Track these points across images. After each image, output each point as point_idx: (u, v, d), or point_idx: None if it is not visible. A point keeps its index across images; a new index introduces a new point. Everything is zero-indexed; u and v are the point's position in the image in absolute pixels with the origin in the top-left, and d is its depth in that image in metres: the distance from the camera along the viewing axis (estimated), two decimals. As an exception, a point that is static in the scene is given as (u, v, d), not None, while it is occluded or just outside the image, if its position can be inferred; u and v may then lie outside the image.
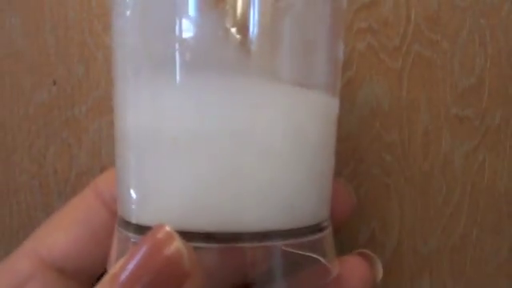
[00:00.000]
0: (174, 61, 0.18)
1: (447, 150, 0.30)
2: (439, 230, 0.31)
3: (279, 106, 0.18)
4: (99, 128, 0.28)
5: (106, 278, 0.17)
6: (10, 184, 0.29)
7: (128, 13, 0.19)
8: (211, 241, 0.18)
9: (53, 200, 0.29)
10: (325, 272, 0.20)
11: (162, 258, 0.16)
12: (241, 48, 0.18)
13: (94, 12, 0.28)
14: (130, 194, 0.19)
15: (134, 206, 0.19)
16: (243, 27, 0.18)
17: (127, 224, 0.19)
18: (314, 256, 0.20)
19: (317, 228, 0.20)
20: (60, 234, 0.23)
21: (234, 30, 0.18)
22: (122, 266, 0.16)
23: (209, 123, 0.18)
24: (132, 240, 0.19)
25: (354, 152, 0.30)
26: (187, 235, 0.17)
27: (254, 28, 0.18)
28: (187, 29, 0.18)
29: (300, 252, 0.19)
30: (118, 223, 0.20)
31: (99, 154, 0.28)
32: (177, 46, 0.18)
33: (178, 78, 0.18)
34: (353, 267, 0.22)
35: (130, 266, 0.16)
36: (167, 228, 0.16)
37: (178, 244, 0.16)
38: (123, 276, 0.16)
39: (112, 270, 0.17)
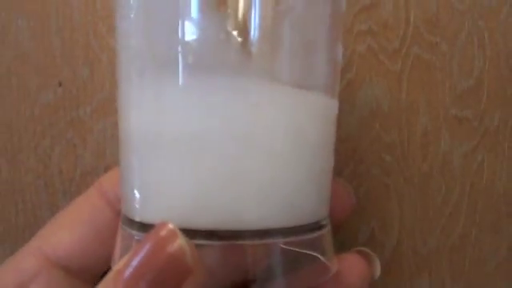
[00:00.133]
0: (177, 62, 0.18)
1: (446, 150, 0.31)
2: (438, 230, 0.31)
3: (280, 107, 0.18)
4: (104, 128, 0.29)
5: (110, 275, 0.17)
6: (16, 183, 0.29)
7: (132, 15, 0.19)
8: (213, 238, 0.18)
9: (58, 199, 0.29)
10: (324, 269, 0.20)
11: (165, 254, 0.16)
12: (242, 50, 0.18)
13: (98, 14, 0.28)
14: (133, 193, 0.20)
15: (137, 205, 0.19)
16: (244, 30, 0.18)
17: (131, 222, 0.20)
18: (313, 254, 0.20)
19: (316, 226, 0.20)
20: (65, 233, 0.23)
21: (235, 32, 0.18)
22: (126, 263, 0.16)
23: (211, 124, 0.18)
24: (136, 238, 0.19)
25: (353, 152, 0.30)
26: (189, 233, 0.17)
27: (254, 31, 0.18)
28: (190, 31, 0.18)
29: (299, 250, 0.20)
30: (122, 221, 0.20)
31: (104, 154, 0.29)
32: (180, 48, 0.18)
33: (180, 79, 0.18)
34: (351, 265, 0.22)
35: (134, 263, 0.16)
36: (170, 226, 0.17)
37: (180, 241, 0.16)
38: (127, 272, 0.16)
39: (116, 266, 0.17)
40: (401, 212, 0.31)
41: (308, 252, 0.20)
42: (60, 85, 0.28)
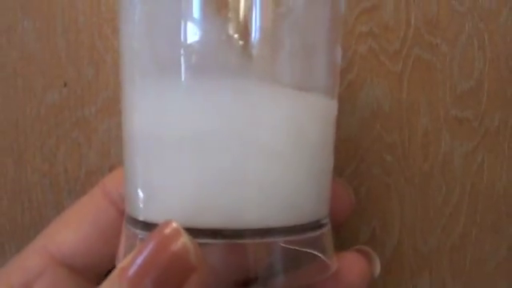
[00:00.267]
0: (179, 65, 0.18)
1: (447, 150, 0.31)
2: (439, 230, 0.32)
3: (280, 108, 0.19)
4: (108, 128, 0.29)
5: (114, 273, 0.17)
6: (22, 182, 0.29)
7: (135, 18, 0.20)
8: (215, 237, 0.18)
9: (63, 198, 0.29)
10: (324, 268, 0.20)
11: (169, 253, 0.17)
12: (243, 53, 0.18)
13: (103, 16, 0.28)
14: (137, 192, 0.20)
15: (141, 204, 0.20)
16: (245, 33, 0.18)
17: (135, 221, 0.20)
18: (314, 252, 0.20)
19: (316, 225, 0.20)
20: (69, 232, 0.23)
21: (236, 35, 0.18)
22: (131, 261, 0.17)
23: (212, 125, 0.18)
24: (139, 236, 0.20)
25: (355, 152, 0.30)
26: (192, 232, 0.17)
27: (255, 33, 0.18)
28: (192, 34, 0.18)
29: (300, 248, 0.20)
30: (126, 220, 0.21)
31: (108, 153, 0.29)
32: (182, 50, 0.18)
33: (183, 81, 0.18)
34: (351, 263, 0.23)
35: (139, 261, 0.17)
36: (174, 224, 0.17)
37: (184, 240, 0.17)
38: (132, 270, 0.17)
39: (120, 264, 0.17)
40: (401, 212, 0.31)
41: (308, 250, 0.20)
42: (65, 85, 0.29)
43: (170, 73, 0.19)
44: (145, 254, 0.17)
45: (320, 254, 0.20)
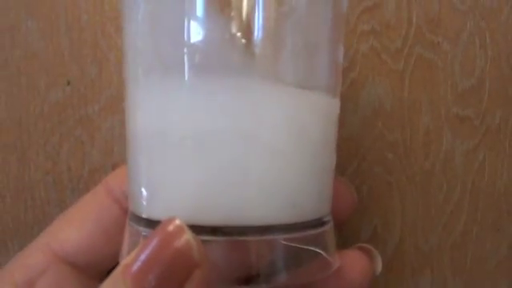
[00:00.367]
0: (183, 63, 0.18)
1: (448, 149, 0.31)
2: (440, 228, 0.32)
3: (282, 106, 0.19)
4: (111, 126, 0.29)
5: (118, 269, 0.17)
6: (26, 180, 0.29)
7: (139, 17, 0.20)
8: (217, 234, 0.18)
9: (66, 196, 0.29)
10: (326, 265, 0.21)
11: (173, 249, 0.17)
12: (246, 51, 0.18)
13: (106, 15, 0.28)
14: (140, 190, 0.20)
15: (144, 202, 0.20)
16: (248, 31, 0.18)
17: (138, 219, 0.20)
18: (316, 249, 0.20)
19: (318, 222, 0.20)
20: (72, 230, 0.23)
21: (239, 34, 0.18)
22: (134, 258, 0.17)
23: (215, 123, 0.18)
24: (143, 234, 0.20)
25: (357, 151, 0.30)
26: (195, 229, 0.17)
27: (258, 32, 0.18)
28: (195, 33, 0.18)
29: (302, 246, 0.20)
30: (130, 218, 0.21)
31: (111, 151, 0.29)
32: (185, 49, 0.18)
33: (186, 80, 0.18)
34: (353, 261, 0.23)
35: (142, 257, 0.17)
36: (177, 221, 0.17)
37: (187, 236, 0.17)
38: (135, 267, 0.17)
39: (124, 261, 0.17)
40: (403, 210, 0.31)
41: (310, 248, 0.20)
42: (68, 83, 0.29)
43: (173, 72, 0.19)
44: (148, 250, 0.17)
45: (322, 252, 0.20)
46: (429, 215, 0.31)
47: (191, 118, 0.19)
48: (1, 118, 0.29)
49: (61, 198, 0.29)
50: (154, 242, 0.17)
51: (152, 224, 0.19)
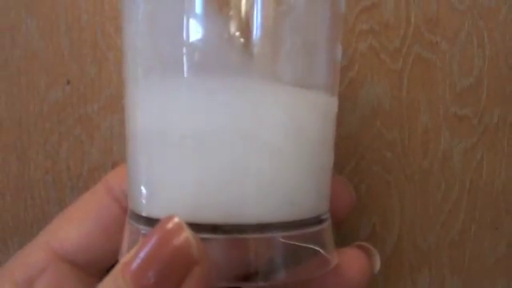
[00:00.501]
0: (182, 63, 0.18)
1: (446, 147, 0.31)
2: (438, 226, 0.32)
3: (281, 105, 0.19)
4: (110, 125, 0.29)
5: (117, 267, 0.17)
6: (25, 179, 0.29)
7: (138, 17, 0.20)
8: (216, 232, 0.18)
9: (66, 195, 0.29)
10: (324, 262, 0.21)
11: (172, 247, 0.17)
12: (244, 51, 0.19)
13: (106, 15, 0.29)
14: (140, 189, 0.20)
15: (144, 200, 0.20)
16: (247, 31, 0.18)
17: (138, 217, 0.20)
18: (314, 247, 0.20)
19: (316, 220, 0.20)
20: (72, 228, 0.23)
21: (238, 33, 0.18)
22: (134, 255, 0.17)
23: (214, 122, 0.18)
24: (142, 232, 0.20)
25: (355, 150, 0.30)
26: (194, 227, 0.17)
27: (256, 31, 0.18)
28: (194, 33, 0.18)
29: (300, 243, 0.20)
30: (129, 216, 0.21)
31: (110, 150, 0.29)
32: (184, 49, 0.18)
33: (185, 79, 0.19)
34: (351, 259, 0.23)
35: (141, 255, 0.17)
36: (176, 219, 0.17)
37: (186, 234, 0.17)
38: (135, 264, 0.17)
39: (123, 259, 0.17)
40: (401, 208, 0.31)
41: (308, 245, 0.20)
42: (68, 83, 0.29)
43: (172, 71, 0.19)
44: (147, 248, 0.17)
45: (320, 249, 0.21)
46: (427, 214, 0.32)
47: (190, 117, 0.19)
48: (1, 118, 0.29)
49: (60, 196, 0.29)
50: (153, 240, 0.17)
51: (151, 222, 0.19)
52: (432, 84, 0.31)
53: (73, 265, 0.23)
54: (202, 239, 0.18)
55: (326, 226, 0.21)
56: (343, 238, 0.31)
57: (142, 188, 0.20)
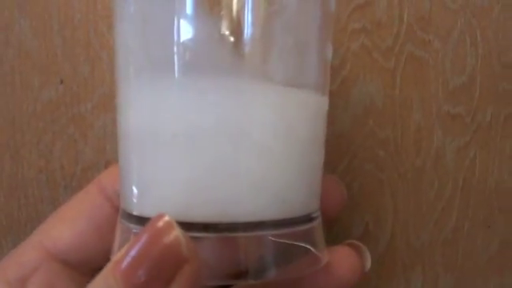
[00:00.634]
0: (173, 63, 0.18)
1: (439, 146, 0.31)
2: (431, 224, 0.32)
3: (271, 105, 0.19)
4: (104, 124, 0.29)
5: (108, 266, 0.18)
6: (19, 178, 0.29)
7: (129, 17, 0.20)
8: (207, 231, 0.18)
9: (59, 194, 0.29)
10: (314, 260, 0.21)
11: (162, 245, 0.17)
12: (235, 51, 0.19)
13: (99, 14, 0.29)
14: (131, 188, 0.20)
15: (135, 199, 0.20)
16: (237, 31, 0.18)
17: (129, 216, 0.20)
18: (304, 245, 0.21)
19: (307, 218, 0.21)
20: (65, 228, 0.23)
21: (228, 33, 0.19)
22: (124, 254, 0.17)
23: (205, 121, 0.18)
24: (134, 231, 0.20)
25: (348, 148, 0.30)
26: (185, 225, 0.17)
27: (247, 31, 0.18)
28: (185, 32, 0.18)
29: (291, 241, 0.20)
30: (121, 215, 0.21)
31: (104, 149, 0.29)
32: (175, 48, 0.18)
33: (176, 79, 0.19)
34: (342, 257, 0.23)
35: (132, 253, 0.17)
36: (166, 217, 0.17)
37: (176, 232, 0.17)
38: (125, 262, 0.17)
39: (114, 258, 0.17)
40: (394, 206, 0.31)
41: (299, 244, 0.20)
42: (61, 82, 0.29)
43: (163, 71, 0.19)
44: (138, 246, 0.17)
45: (310, 247, 0.21)
46: (420, 212, 0.32)
47: (181, 117, 0.19)
48: (-6, 117, 0.29)
49: (54, 195, 0.30)
50: (143, 239, 0.17)
51: (143, 221, 0.19)
52: (425, 82, 0.31)
53: (65, 264, 0.23)
54: (193, 238, 0.18)
55: (317, 224, 0.21)
56: (336, 237, 0.31)
57: (134, 187, 0.20)
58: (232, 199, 0.19)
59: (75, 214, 0.24)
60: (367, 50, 0.30)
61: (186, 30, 0.19)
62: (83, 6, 0.29)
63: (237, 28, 0.19)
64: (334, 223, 0.30)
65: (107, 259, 0.20)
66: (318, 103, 0.21)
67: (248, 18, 0.19)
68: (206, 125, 0.19)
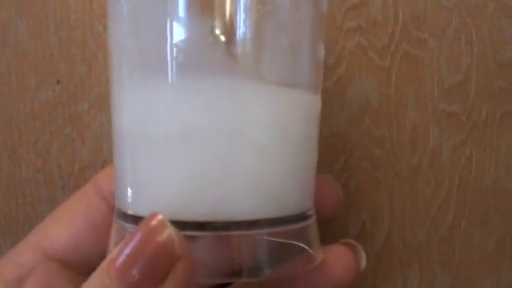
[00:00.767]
0: (166, 63, 0.19)
1: (435, 144, 0.31)
2: (428, 222, 0.32)
3: (265, 104, 0.19)
4: (101, 124, 0.29)
5: (104, 263, 0.18)
6: (17, 178, 0.29)
7: (122, 18, 0.20)
8: (202, 229, 0.19)
9: (57, 193, 0.30)
10: (309, 259, 0.21)
11: (155, 243, 0.17)
12: (228, 51, 0.19)
13: (95, 14, 0.29)
14: (126, 187, 0.20)
15: (130, 199, 0.20)
16: (230, 31, 0.19)
17: (124, 215, 0.20)
18: (299, 244, 0.21)
19: (301, 217, 0.21)
20: (62, 228, 0.24)
21: (221, 34, 0.19)
22: (119, 252, 0.17)
23: (199, 121, 0.19)
24: (129, 230, 0.20)
25: (344, 147, 0.31)
26: (179, 224, 0.18)
27: (240, 32, 0.19)
28: (178, 33, 0.19)
29: (285, 240, 0.20)
30: (116, 215, 0.21)
31: (101, 149, 0.29)
32: (168, 49, 0.19)
33: (169, 79, 0.19)
34: (337, 256, 0.23)
35: (126, 251, 0.17)
36: (160, 216, 0.17)
37: (169, 231, 0.17)
38: (119, 261, 0.17)
39: (109, 256, 0.18)
40: (391, 205, 0.31)
41: (293, 242, 0.20)
42: (58, 82, 0.29)
43: (156, 71, 0.19)
44: (132, 244, 0.17)
45: (305, 246, 0.21)
46: (417, 210, 0.32)
47: (174, 117, 0.19)
48: (-9, 117, 0.29)
49: (51, 195, 0.30)
50: (137, 237, 0.17)
51: (137, 220, 0.19)
52: (420, 81, 0.31)
53: (62, 264, 0.23)
54: (188, 236, 0.18)
55: (311, 222, 0.21)
56: (333, 235, 0.31)
57: (128, 186, 0.20)
58: (226, 198, 0.19)
59: (72, 215, 0.24)
60: (363, 49, 0.30)
61: (178, 31, 0.19)
62: (79, 6, 0.29)
63: (229, 29, 0.19)
64: (331, 222, 0.30)
65: (104, 259, 0.21)
66: (311, 102, 0.21)
67: (241, 19, 0.19)
68: (199, 125, 0.19)
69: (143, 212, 0.19)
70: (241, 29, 0.19)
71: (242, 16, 0.19)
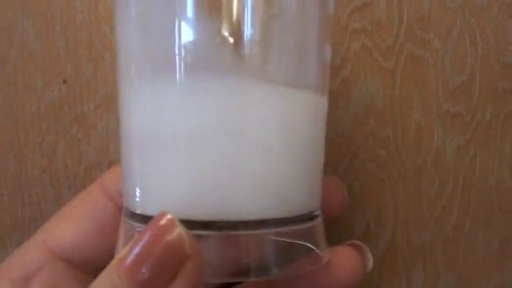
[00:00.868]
0: (174, 64, 0.19)
1: (439, 145, 0.31)
2: (432, 223, 0.32)
3: (272, 105, 0.19)
4: (107, 124, 0.29)
5: (112, 263, 0.18)
6: (23, 178, 0.30)
7: (130, 19, 0.20)
8: (209, 229, 0.19)
9: (63, 193, 0.30)
10: (315, 259, 0.21)
11: (165, 242, 0.17)
12: (236, 52, 0.19)
13: (101, 15, 0.29)
14: (134, 187, 0.20)
15: (138, 199, 0.20)
16: (238, 32, 0.19)
17: (133, 215, 0.21)
18: (305, 243, 0.21)
19: (308, 217, 0.21)
20: (68, 227, 0.24)
21: (229, 34, 0.19)
22: (128, 251, 0.17)
23: (207, 121, 0.19)
24: (138, 229, 0.20)
25: (349, 148, 0.31)
26: (187, 223, 0.18)
27: (247, 33, 0.19)
28: (186, 34, 0.19)
29: (292, 240, 0.20)
30: (125, 214, 0.21)
31: (107, 149, 0.29)
32: (176, 50, 0.19)
33: (177, 79, 0.19)
34: (344, 257, 0.23)
35: (135, 251, 0.17)
36: (169, 215, 0.17)
37: (179, 230, 0.17)
38: (129, 260, 0.17)
39: (118, 255, 0.18)
40: (395, 205, 0.32)
41: (300, 242, 0.21)
42: (64, 82, 0.29)
43: (164, 72, 0.19)
44: (141, 244, 0.17)
45: (311, 246, 0.21)
46: (421, 210, 0.32)
47: (182, 118, 0.19)
48: (-2, 117, 0.29)
49: (57, 195, 0.30)
50: (146, 236, 0.17)
51: (146, 219, 0.19)
52: (425, 82, 0.31)
53: (69, 263, 0.23)
54: (196, 236, 0.18)
55: (318, 222, 0.21)
56: (338, 236, 0.31)
57: (136, 186, 0.20)
58: (234, 198, 0.19)
59: (78, 214, 0.24)
60: (367, 50, 0.30)
61: (186, 32, 0.19)
62: (85, 7, 0.29)
63: (237, 30, 0.19)
64: (336, 223, 0.30)
65: (111, 258, 0.21)
66: (318, 103, 0.21)
67: (248, 20, 0.19)
68: (207, 125, 0.19)
69: (152, 211, 0.19)
70: (248, 30, 0.19)
71: (250, 17, 0.19)
